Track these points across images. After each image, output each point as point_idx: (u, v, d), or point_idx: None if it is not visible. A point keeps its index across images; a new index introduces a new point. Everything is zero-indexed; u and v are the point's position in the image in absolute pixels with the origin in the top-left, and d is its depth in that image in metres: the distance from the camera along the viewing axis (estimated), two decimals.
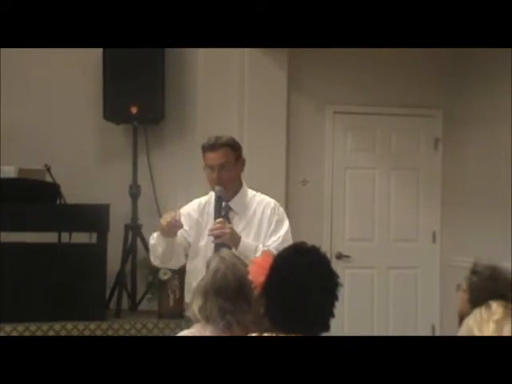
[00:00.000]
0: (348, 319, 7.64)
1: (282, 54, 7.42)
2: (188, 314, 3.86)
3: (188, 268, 4.75)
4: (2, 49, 6.70)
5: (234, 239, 4.46)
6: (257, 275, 3.12)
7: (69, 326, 6.68)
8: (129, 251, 7.42)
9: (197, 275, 4.15)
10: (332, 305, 3.08)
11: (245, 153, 4.88)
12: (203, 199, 4.86)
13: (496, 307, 3.52)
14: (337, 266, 7.47)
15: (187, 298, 4.49)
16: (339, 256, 7.72)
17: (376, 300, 7.94)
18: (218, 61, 7.48)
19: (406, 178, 8.03)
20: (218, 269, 3.53)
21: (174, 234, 4.51)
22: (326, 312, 3.08)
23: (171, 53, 7.54)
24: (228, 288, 3.48)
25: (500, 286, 4.10)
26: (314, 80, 7.71)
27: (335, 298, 3.07)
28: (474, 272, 4.22)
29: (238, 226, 4.62)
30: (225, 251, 3.78)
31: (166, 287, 7.13)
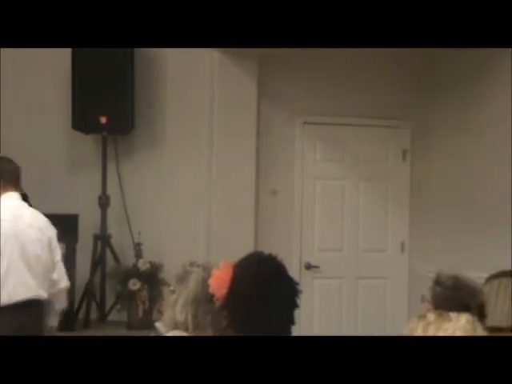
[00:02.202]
0: (317, 329, 7.65)
1: (252, 63, 7.43)
2: (160, 323, 3.87)
3: None
4: None
5: None
6: (218, 288, 3.13)
7: None
8: (98, 261, 7.39)
9: None
10: (293, 312, 3.10)
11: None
12: None
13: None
14: (306, 276, 7.49)
15: None
16: (308, 266, 7.73)
17: (345, 310, 7.96)
18: (187, 70, 7.48)
19: (375, 189, 8.07)
20: (204, 278, 3.54)
21: None
22: (289, 320, 3.10)
23: (141, 63, 7.53)
24: None
25: (462, 295, 4.19)
26: (283, 90, 7.73)
27: (296, 305, 3.08)
28: (437, 283, 4.32)
29: None
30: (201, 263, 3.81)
31: (136, 297, 7.11)
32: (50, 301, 4.61)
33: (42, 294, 4.48)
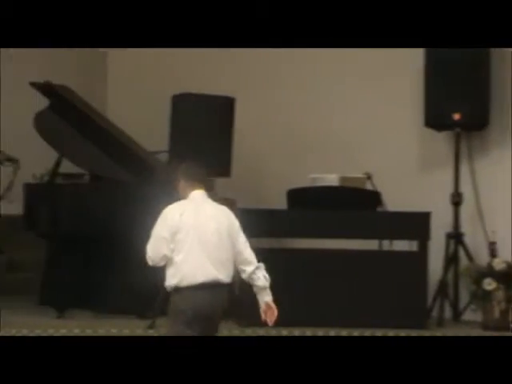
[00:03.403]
0: None
1: None
2: None
3: None
4: None
5: None
6: None
7: (390, 333, 6.66)
8: (451, 260, 7.30)
9: None
10: None
11: None
12: None
13: None
14: None
15: None
16: None
17: None
18: None
19: None
20: None
21: None
22: None
23: (496, 61, 7.34)
24: None
25: None
26: None
27: None
28: None
29: None
30: None
31: (491, 298, 6.93)
32: (251, 278, 5.04)
33: (222, 279, 4.94)
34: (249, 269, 5.03)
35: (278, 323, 6.30)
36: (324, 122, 7.99)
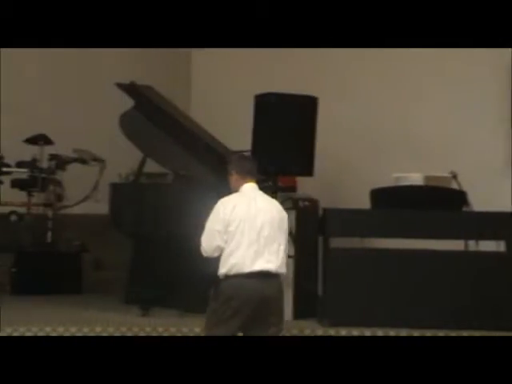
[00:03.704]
0: None
1: None
2: None
3: None
4: None
5: None
6: None
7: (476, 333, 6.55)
8: None
9: None
10: None
11: None
12: None
13: None
14: None
15: None
16: None
17: None
18: None
19: None
20: None
21: None
22: None
23: None
24: None
25: None
26: None
27: None
28: None
29: None
30: None
31: None
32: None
33: (272, 269, 5.12)
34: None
35: (361, 323, 6.29)
36: (408, 120, 7.93)
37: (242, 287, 5.04)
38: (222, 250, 5.10)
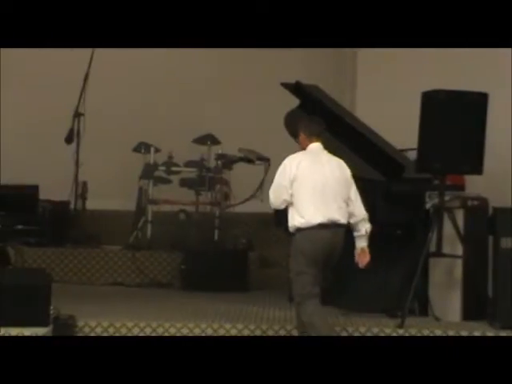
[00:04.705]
0: None
1: None
2: None
3: None
4: None
5: None
6: None
7: None
8: None
9: None
10: None
11: None
12: None
13: None
14: None
15: None
16: None
17: None
18: None
19: None
20: None
21: None
22: None
23: None
24: None
25: None
26: None
27: None
28: None
29: None
30: None
31: None
32: (354, 227, 5.84)
33: (339, 220, 5.70)
34: (356, 218, 5.80)
35: None
36: None
37: (315, 238, 5.60)
38: (288, 202, 5.71)
